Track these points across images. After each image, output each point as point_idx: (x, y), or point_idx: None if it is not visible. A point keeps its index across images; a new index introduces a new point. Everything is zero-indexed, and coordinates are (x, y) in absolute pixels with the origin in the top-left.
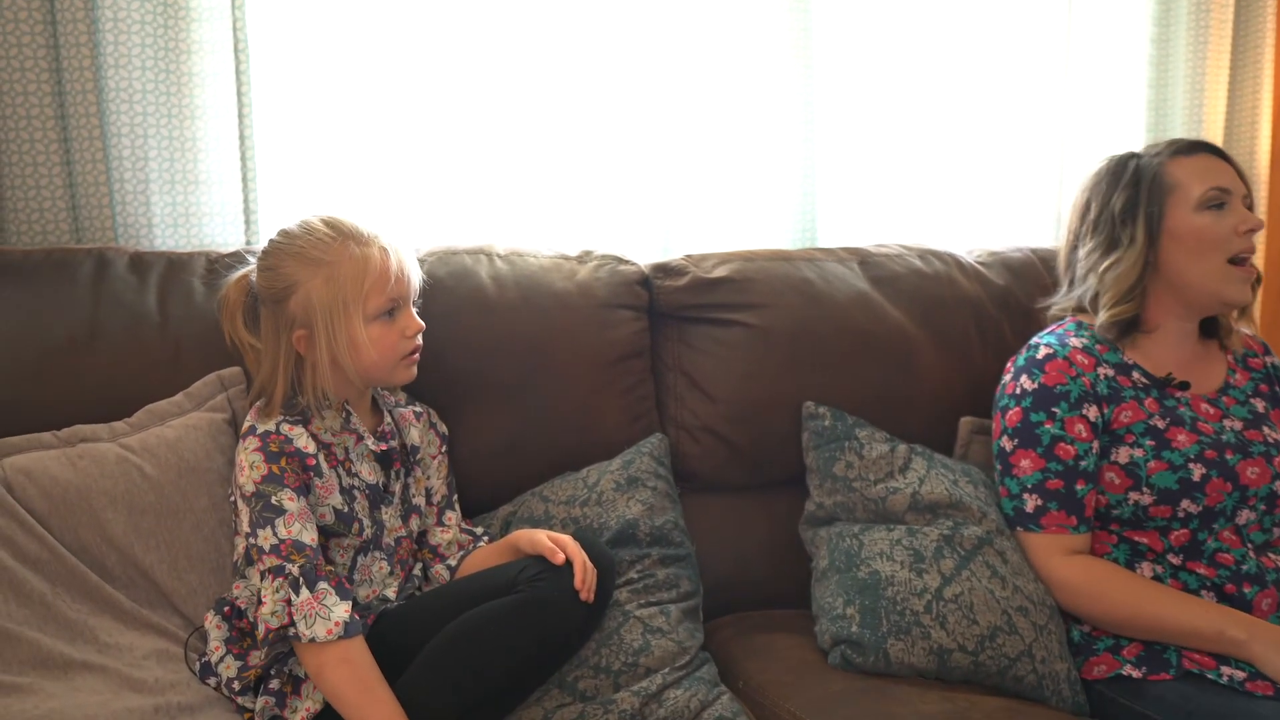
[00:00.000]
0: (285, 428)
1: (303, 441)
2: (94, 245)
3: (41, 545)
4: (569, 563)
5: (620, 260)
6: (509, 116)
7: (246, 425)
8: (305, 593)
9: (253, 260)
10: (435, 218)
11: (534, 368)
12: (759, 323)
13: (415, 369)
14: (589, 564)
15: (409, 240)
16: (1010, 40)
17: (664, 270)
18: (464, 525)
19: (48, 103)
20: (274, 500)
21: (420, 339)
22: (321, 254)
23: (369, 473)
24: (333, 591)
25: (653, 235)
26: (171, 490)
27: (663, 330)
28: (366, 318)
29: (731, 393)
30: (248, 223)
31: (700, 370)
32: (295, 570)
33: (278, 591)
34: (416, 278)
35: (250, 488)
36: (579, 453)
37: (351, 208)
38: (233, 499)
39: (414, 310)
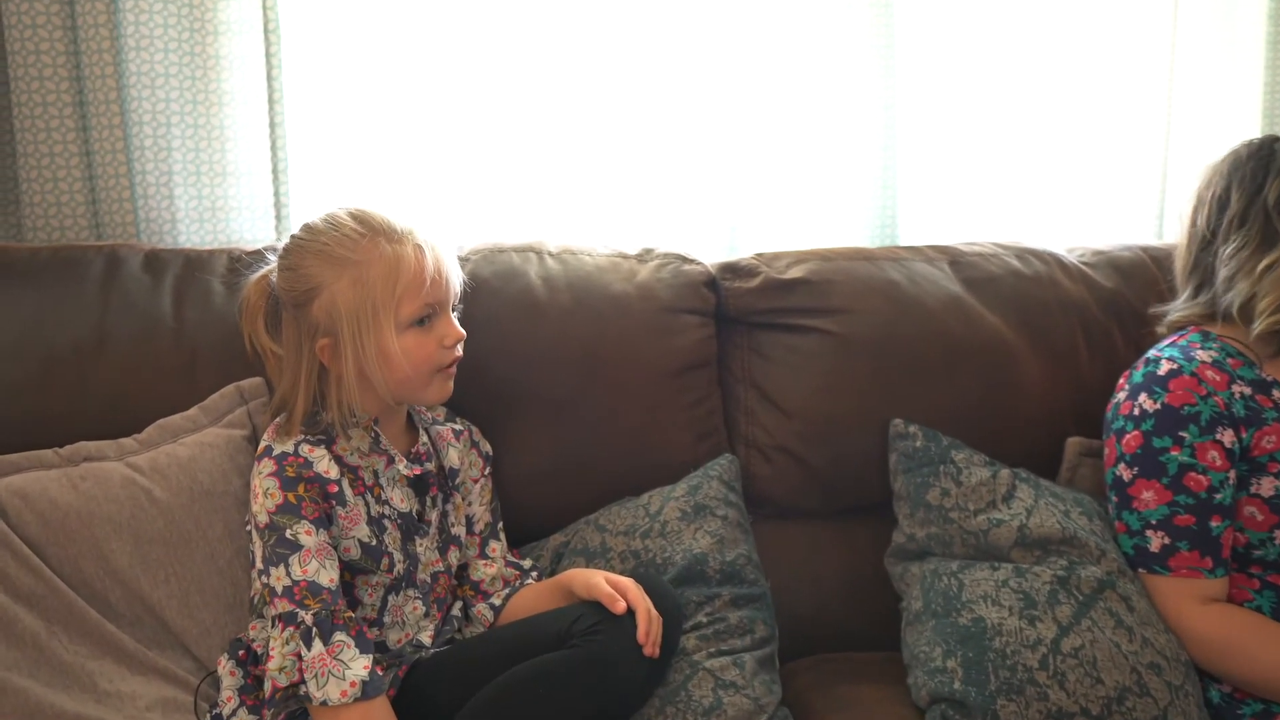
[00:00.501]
0: (305, 449)
1: (324, 465)
2: (106, 242)
3: (37, 578)
4: (630, 612)
5: (684, 259)
6: (563, 101)
7: (262, 446)
8: (319, 646)
9: (274, 258)
10: (481, 213)
11: (588, 379)
12: (839, 329)
13: (451, 385)
14: (653, 612)
15: (449, 237)
16: (1109, 21)
17: (733, 270)
18: (510, 558)
19: (65, 88)
20: (289, 534)
21: (460, 349)
22: (348, 252)
23: (401, 499)
24: (351, 644)
25: (718, 232)
26: (183, 516)
27: (731, 338)
28: (399, 325)
29: (808, 408)
30: (278, 217)
31: (773, 382)
32: (309, 619)
33: (287, 644)
34: (457, 280)
35: (264, 518)
36: (639, 474)
37: (390, 201)
38: (249, 528)
39: (454, 316)
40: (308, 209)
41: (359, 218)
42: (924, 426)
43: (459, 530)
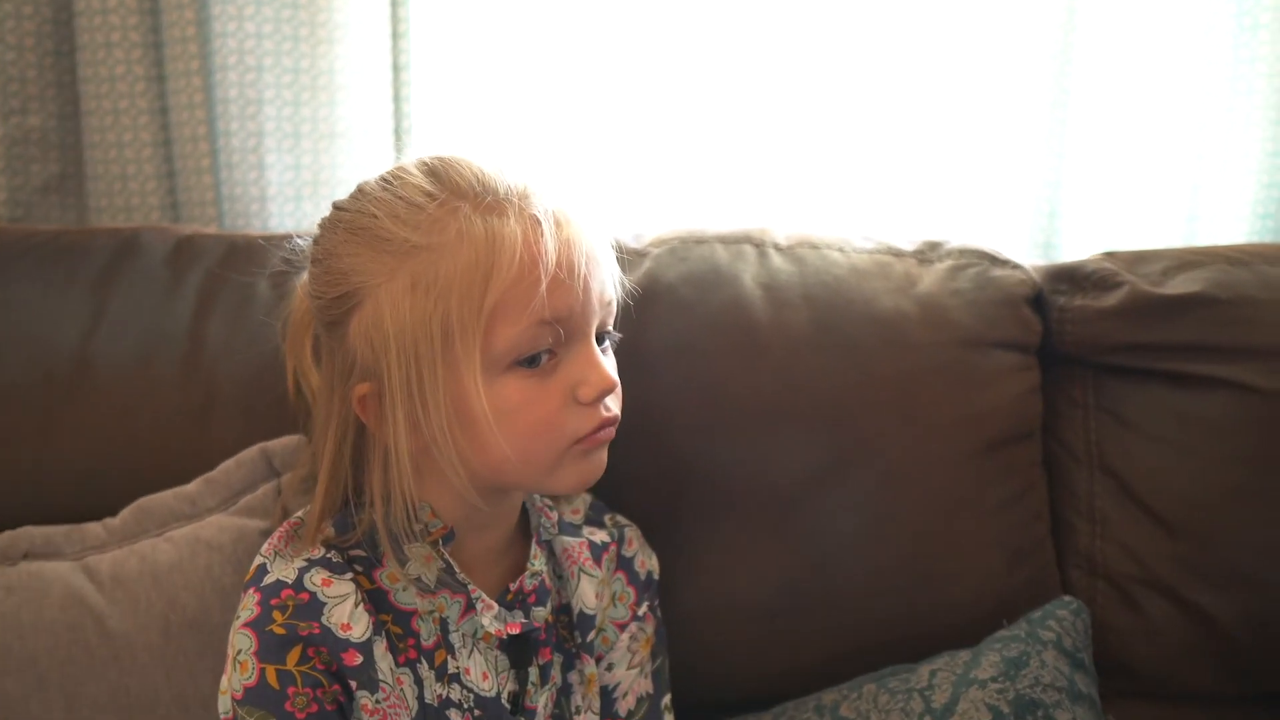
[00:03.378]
0: (317, 578)
1: (345, 613)
2: (129, 224)
3: None
4: None
5: (994, 259)
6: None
7: (256, 562)
8: None
9: None
10: (670, 187)
11: (838, 458)
12: (1269, 385)
13: (600, 463)
14: None
15: (601, 212)
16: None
17: (1072, 279)
18: None
19: (133, 24)
20: None
21: (614, 405)
22: (407, 229)
23: (484, 674)
24: None
25: (1016, 221)
26: (149, 664)
27: (1065, 390)
28: (491, 361)
29: (1211, 519)
30: None
31: (1144, 469)
32: None
33: None
34: (609, 283)
35: (224, 704)
36: (910, 621)
37: (546, 162)
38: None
39: (598, 348)
40: None
41: (434, 171)
42: None
43: None
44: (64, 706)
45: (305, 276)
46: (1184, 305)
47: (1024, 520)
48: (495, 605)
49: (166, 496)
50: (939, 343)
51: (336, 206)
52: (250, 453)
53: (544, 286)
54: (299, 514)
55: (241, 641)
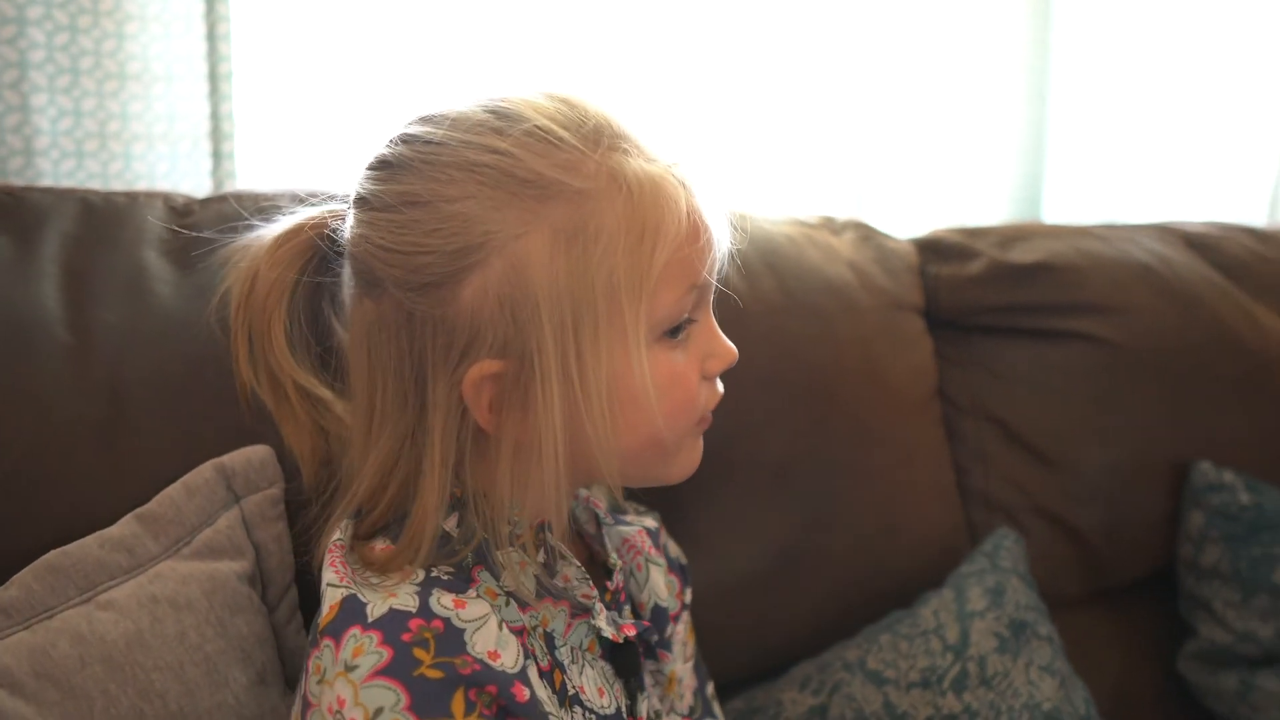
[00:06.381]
0: (446, 599)
1: (488, 637)
2: None
3: None
4: None
5: (877, 231)
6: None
7: (336, 601)
8: None
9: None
10: None
11: (819, 423)
12: (1113, 335)
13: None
14: None
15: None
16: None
17: (936, 250)
18: None
19: None
20: None
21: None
22: (552, 169)
23: (600, 689)
24: None
25: (840, 201)
26: None
27: (944, 349)
28: (649, 329)
29: (1079, 451)
30: (217, 156)
31: (1024, 415)
32: None
33: None
34: (723, 248)
35: None
36: (883, 569)
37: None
38: None
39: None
40: (278, 140)
41: (571, 108)
42: (1242, 473)
43: None
44: None
45: (356, 228)
46: (1033, 271)
47: (937, 466)
48: (605, 608)
49: (87, 546)
50: (878, 306)
51: (421, 139)
52: (202, 474)
53: (702, 243)
54: (339, 535)
55: (378, 697)
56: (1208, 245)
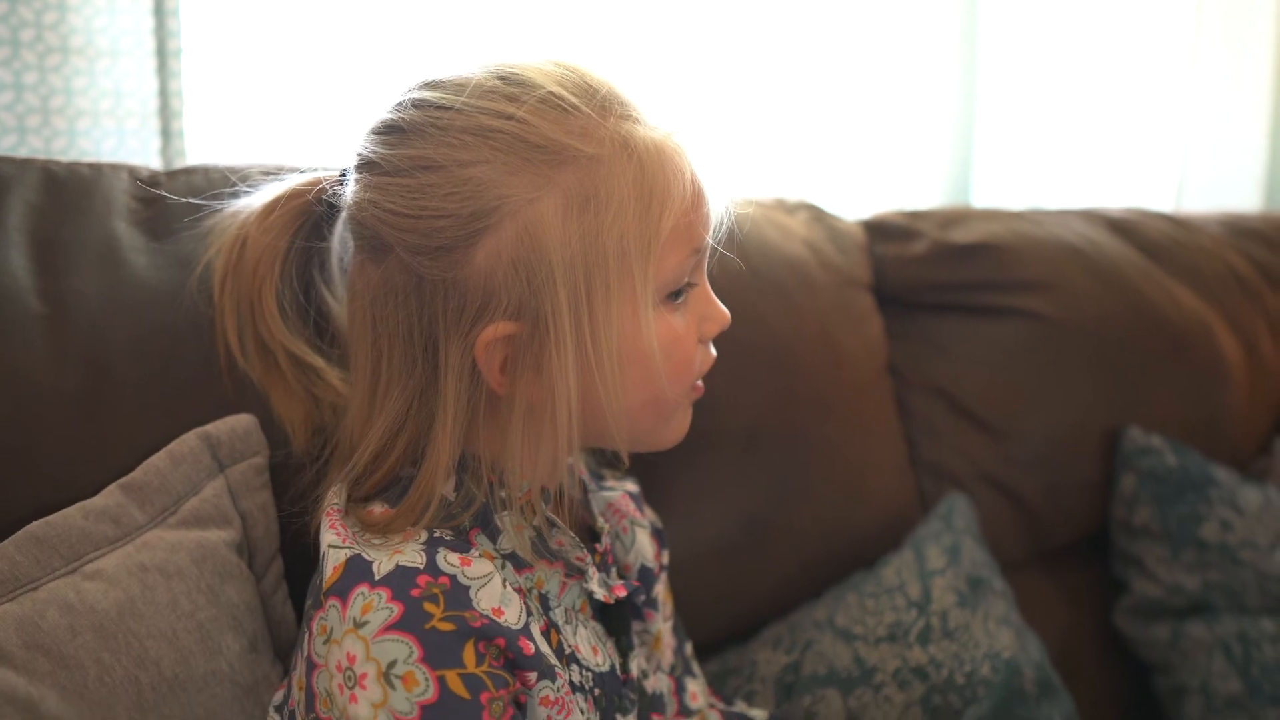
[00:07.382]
0: (453, 557)
1: (492, 594)
2: None
3: None
4: None
5: (823, 212)
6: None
7: (341, 561)
8: None
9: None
10: None
11: (786, 394)
12: (1049, 311)
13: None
14: None
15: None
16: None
17: (882, 231)
18: (716, 702)
19: None
20: None
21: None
22: (564, 134)
23: (594, 648)
24: None
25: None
26: None
27: (894, 325)
28: (656, 291)
29: (1020, 420)
30: (166, 133)
31: (967, 387)
32: None
33: None
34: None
35: None
36: (844, 536)
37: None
38: None
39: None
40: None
41: (580, 76)
42: (1168, 438)
43: (659, 684)
44: None
45: (362, 192)
46: (974, 251)
47: (890, 437)
48: (597, 569)
49: (70, 516)
50: (834, 284)
51: (433, 104)
52: (187, 443)
53: (705, 209)
54: (335, 500)
55: (391, 650)
56: (1129, 229)
